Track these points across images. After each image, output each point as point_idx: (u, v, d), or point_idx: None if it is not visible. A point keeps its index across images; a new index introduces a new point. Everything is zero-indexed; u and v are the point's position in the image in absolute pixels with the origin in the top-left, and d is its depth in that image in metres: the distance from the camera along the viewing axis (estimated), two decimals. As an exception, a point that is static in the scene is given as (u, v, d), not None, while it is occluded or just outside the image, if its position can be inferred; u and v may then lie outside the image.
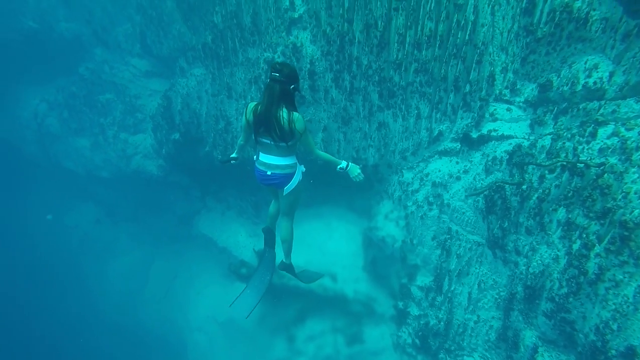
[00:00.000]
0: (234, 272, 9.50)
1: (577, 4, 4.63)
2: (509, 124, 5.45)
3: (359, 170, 4.17)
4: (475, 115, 5.75)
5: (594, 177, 4.20)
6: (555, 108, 5.04)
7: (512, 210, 4.89)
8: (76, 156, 11.88)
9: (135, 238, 13.02)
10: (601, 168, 4.16)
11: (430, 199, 6.13)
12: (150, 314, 12.19)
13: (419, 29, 5.76)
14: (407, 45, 5.96)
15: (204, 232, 11.31)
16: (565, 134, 4.68)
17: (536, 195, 4.66)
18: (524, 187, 4.75)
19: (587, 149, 4.42)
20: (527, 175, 4.81)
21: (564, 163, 4.49)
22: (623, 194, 3.96)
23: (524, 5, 5.02)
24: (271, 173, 3.98)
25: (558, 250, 4.54)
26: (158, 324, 11.96)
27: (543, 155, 4.78)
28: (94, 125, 11.27)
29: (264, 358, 8.54)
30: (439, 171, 6.12)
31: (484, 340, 5.57)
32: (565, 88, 4.89)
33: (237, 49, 7.76)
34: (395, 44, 6.03)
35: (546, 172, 4.66)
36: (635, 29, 4.43)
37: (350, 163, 4.11)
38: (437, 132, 6.20)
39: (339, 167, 4.09)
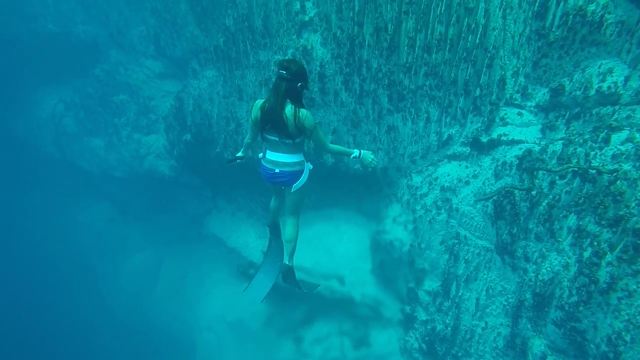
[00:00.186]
0: (243, 272, 9.55)
1: (591, 7, 4.55)
2: (520, 129, 5.37)
3: (372, 156, 4.10)
4: (486, 119, 5.69)
5: (606, 184, 4.12)
6: (568, 113, 4.95)
7: (522, 216, 4.82)
8: (91, 156, 12.09)
9: (147, 237, 13.18)
10: (614, 175, 4.07)
11: (439, 203, 6.08)
12: (160, 313, 12.32)
13: (429, 32, 5.73)
14: (417, 48, 5.93)
15: (214, 232, 11.41)
16: (577, 139, 4.60)
17: (546, 201, 4.59)
18: (534, 192, 4.67)
19: (600, 155, 4.34)
20: (537, 181, 4.73)
21: (576, 169, 4.41)
22: (637, 201, 3.87)
23: (535, 9, 4.95)
24: (279, 171, 3.93)
25: (568, 258, 4.45)
26: (168, 322, 12.07)
27: (554, 161, 4.70)
28: (109, 125, 11.47)
29: (271, 359, 8.56)
30: (448, 175, 6.07)
31: (491, 348, 5.49)
32: (578, 92, 4.80)
33: (248, 51, 7.82)
34: (405, 47, 6.01)
35: (557, 177, 4.58)
36: (652, 33, 4.35)
37: (362, 150, 4.07)
38: (446, 136, 6.15)
39: (352, 156, 4.05)
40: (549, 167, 4.63)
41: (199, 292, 11.65)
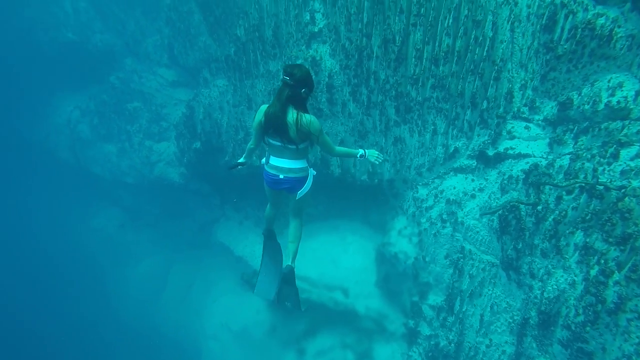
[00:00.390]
0: (247, 281, 9.54)
1: (601, 21, 4.48)
2: (527, 142, 5.29)
3: (377, 153, 4.15)
4: (492, 132, 5.62)
5: (614, 200, 4.01)
6: (576, 127, 4.86)
7: (527, 231, 4.72)
8: (104, 161, 12.31)
9: (156, 243, 13.29)
10: (622, 191, 3.97)
11: (444, 216, 5.99)
12: (166, 319, 12.35)
13: (437, 44, 5.72)
14: (424, 60, 5.92)
15: (222, 240, 11.44)
16: (585, 154, 4.51)
17: (552, 217, 4.49)
18: (540, 207, 4.58)
19: (608, 171, 4.24)
20: (543, 196, 4.64)
21: (583, 184, 4.31)
22: (645, 219, 3.76)
23: (544, 22, 4.90)
24: (284, 177, 3.92)
25: (575, 276, 4.33)
26: (174, 329, 12.09)
27: (561, 176, 4.60)
28: (122, 132, 11.67)
29: (274, 371, 8.50)
30: (454, 188, 5.99)
31: (496, 366, 5.34)
32: (587, 107, 4.72)
33: (258, 61, 7.91)
34: (413, 59, 6.00)
35: (563, 193, 4.48)
36: (663, 47, 4.26)
37: (367, 150, 4.11)
38: (453, 148, 6.08)
39: (359, 154, 4.08)
40: (555, 182, 4.54)
41: (205, 300, 11.65)
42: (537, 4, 5.03)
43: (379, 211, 7.75)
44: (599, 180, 4.17)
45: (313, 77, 3.80)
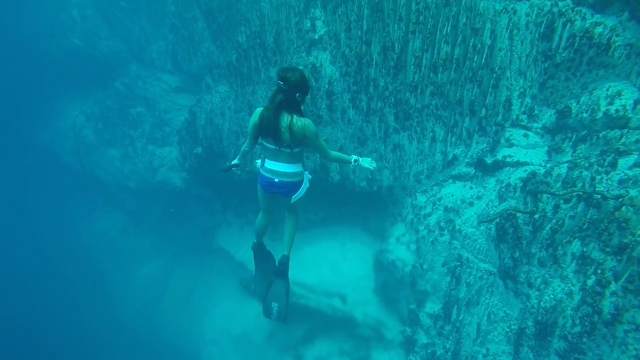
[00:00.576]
0: (245, 286, 9.54)
1: (598, 30, 4.47)
2: (525, 150, 5.26)
3: (369, 159, 4.14)
4: (491, 140, 5.60)
5: (612, 210, 3.97)
6: (574, 135, 4.83)
7: (524, 240, 4.68)
8: (107, 166, 12.41)
9: (157, 247, 13.34)
10: (619, 200, 3.93)
11: (442, 224, 5.96)
12: (167, 324, 12.35)
13: (436, 52, 5.73)
14: (423, 68, 5.93)
15: (223, 245, 11.45)
16: (582, 162, 4.47)
17: (549, 226, 4.45)
18: (537, 216, 4.54)
19: (606, 180, 4.20)
20: (540, 204, 4.60)
21: (580, 193, 4.28)
22: (642, 229, 3.71)
23: (542, 30, 4.90)
24: (279, 180, 3.90)
25: (572, 285, 4.28)
26: (174, 334, 12.09)
27: (558, 184, 4.57)
28: (125, 136, 11.77)
29: (272, 377, 8.45)
30: (452, 196, 5.96)
31: (493, 377, 5.27)
32: (585, 115, 4.69)
33: (259, 67, 7.96)
34: (412, 67, 6.01)
35: (561, 201, 4.45)
36: (662, 56, 4.23)
37: (360, 157, 4.11)
38: (451, 156, 6.06)
39: (352, 160, 4.07)
40: (553, 190, 4.50)
41: (206, 305, 11.65)
42: (535, 12, 5.02)
43: (378, 218, 7.73)
44: (596, 189, 4.13)
45: (309, 80, 3.78)
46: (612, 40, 4.41)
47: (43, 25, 12.96)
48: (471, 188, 5.83)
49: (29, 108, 14.68)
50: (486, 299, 5.31)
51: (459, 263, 5.62)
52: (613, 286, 3.80)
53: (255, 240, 4.89)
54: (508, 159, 5.32)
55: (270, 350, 8.63)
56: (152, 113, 11.33)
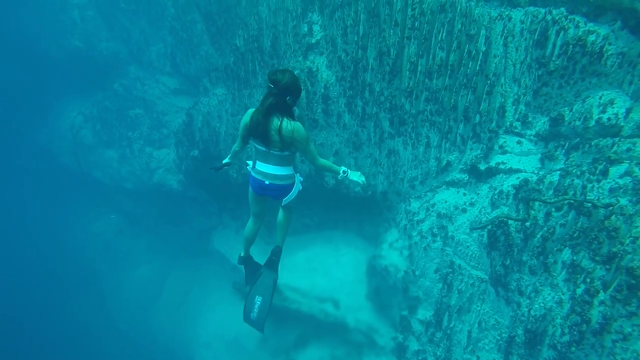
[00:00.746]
0: (238, 290, 9.49)
1: (591, 38, 4.47)
2: (519, 158, 5.25)
3: (358, 173, 4.03)
4: (485, 146, 5.59)
5: (602, 218, 3.95)
6: (567, 143, 4.82)
7: (515, 247, 4.65)
8: (104, 167, 12.41)
9: (153, 249, 13.30)
10: (609, 209, 3.91)
11: (435, 230, 5.93)
12: (161, 327, 12.30)
13: (431, 57, 5.73)
14: (418, 73, 5.93)
15: (219, 248, 11.42)
16: (574, 170, 4.46)
17: (540, 234, 4.43)
18: (528, 224, 4.52)
19: (597, 188, 4.19)
20: (532, 212, 4.58)
21: (572, 201, 4.26)
22: (631, 238, 3.69)
23: (536, 38, 4.90)
24: (269, 183, 3.86)
25: (562, 294, 4.26)
26: (168, 337, 12.03)
27: (551, 192, 4.55)
28: (123, 138, 11.78)
29: (264, 382, 8.40)
30: (445, 202, 5.94)
31: (484, 385, 5.23)
32: (578, 123, 4.68)
33: (256, 71, 7.98)
34: (407, 72, 6.02)
35: (553, 209, 4.43)
36: (654, 65, 4.23)
37: (350, 170, 3.98)
38: (445, 162, 6.05)
39: (341, 171, 3.94)
40: (544, 198, 4.48)
41: (201, 308, 11.60)
42: (530, 19, 5.03)
43: (373, 223, 7.71)
44: (587, 197, 4.11)
45: (301, 83, 3.72)
46: (604, 49, 4.41)
47: (43, 26, 13.04)
48: (464, 194, 5.81)
49: (28, 108, 14.72)
50: (477, 306, 5.28)
51: (450, 270, 5.59)
52: (601, 295, 3.77)
53: (242, 254, 4.69)
54: (501, 166, 5.30)
55: (262, 355, 8.59)
56: (150, 115, 11.34)
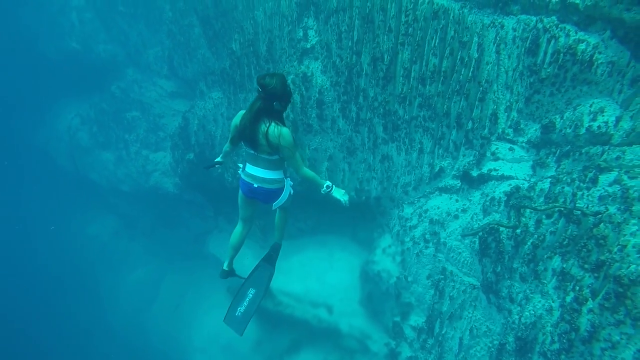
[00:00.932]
0: (233, 294, 9.45)
1: (581, 47, 4.49)
2: (511, 164, 5.26)
3: (343, 191, 3.96)
4: (477, 153, 5.60)
5: (591, 226, 3.95)
6: (558, 150, 4.84)
7: (506, 254, 4.65)
8: (101, 169, 12.42)
9: (149, 252, 13.30)
10: (598, 217, 3.91)
11: (427, 236, 5.93)
12: (156, 330, 12.28)
13: (424, 63, 5.75)
14: (412, 79, 5.95)
15: (214, 252, 11.41)
16: (565, 178, 4.47)
17: (531, 241, 4.43)
18: (518, 231, 4.52)
19: (587, 196, 4.19)
20: (523, 219, 4.59)
21: (562, 209, 4.26)
22: (619, 246, 3.69)
23: (527, 45, 4.92)
24: (258, 186, 3.83)
25: (552, 302, 4.26)
26: (163, 340, 12.01)
27: (541, 199, 4.56)
28: (119, 140, 11.80)
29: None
30: (438, 208, 5.95)
31: (475, 392, 5.22)
32: (569, 130, 4.69)
33: (252, 75, 8.00)
34: (401, 78, 6.04)
35: (543, 217, 4.43)
36: (643, 74, 4.24)
37: (335, 186, 3.89)
38: (438, 168, 6.06)
39: (325, 185, 3.84)
40: (535, 205, 4.49)
41: (196, 312, 11.58)
42: (522, 27, 5.05)
43: (367, 228, 7.71)
44: (576, 205, 4.12)
45: (289, 87, 3.63)
46: (594, 58, 4.42)
47: (41, 28, 13.08)
48: (457, 201, 5.81)
49: (26, 109, 14.75)
50: (469, 313, 5.27)
51: (442, 276, 5.59)
52: (590, 304, 3.77)
53: (225, 267, 4.58)
54: (493, 173, 5.31)
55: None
56: (146, 117, 11.37)
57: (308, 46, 7.10)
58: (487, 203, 5.18)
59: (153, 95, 11.30)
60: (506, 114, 5.40)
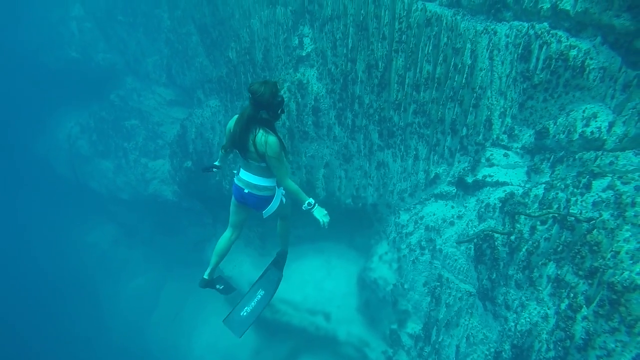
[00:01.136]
0: (231, 303, 9.41)
1: (573, 53, 4.49)
2: (505, 170, 5.25)
3: (325, 212, 3.71)
4: (472, 159, 5.59)
5: (584, 232, 3.94)
6: (552, 156, 4.82)
7: (501, 261, 4.63)
8: (100, 177, 12.46)
9: (149, 259, 13.29)
10: (591, 223, 3.89)
11: (423, 243, 5.91)
12: (156, 339, 12.23)
13: (418, 70, 5.76)
14: (406, 86, 5.96)
15: (213, 259, 11.39)
16: (559, 184, 4.45)
17: (526, 247, 4.41)
18: (513, 237, 4.50)
19: (581, 201, 4.17)
20: (518, 225, 4.57)
21: (556, 215, 4.25)
22: (613, 252, 3.67)
23: (520, 51, 4.93)
24: (248, 192, 3.78)
25: (548, 309, 4.23)
26: (163, 349, 11.95)
27: (535, 205, 4.54)
28: (118, 148, 11.84)
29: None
30: (434, 215, 5.93)
31: (472, 401, 5.16)
32: (562, 136, 4.68)
33: (248, 83, 8.00)
34: (395, 85, 6.05)
35: (538, 223, 4.41)
36: (635, 80, 4.23)
37: (317, 204, 3.68)
38: (433, 174, 6.05)
39: (306, 202, 3.64)
40: (529, 211, 4.47)
41: (196, 320, 11.55)
42: (514, 33, 5.05)
43: (364, 235, 7.69)
44: (570, 211, 4.10)
45: (278, 98, 3.55)
46: (586, 63, 4.42)
47: (42, 37, 13.19)
48: (452, 207, 5.80)
49: (26, 118, 14.83)
50: (466, 320, 5.23)
51: (438, 283, 5.55)
52: (584, 311, 3.74)
53: (205, 275, 4.29)
54: (488, 179, 5.30)
55: (255, 369, 8.53)
56: (145, 126, 11.41)
57: (303, 54, 7.13)
58: (482, 209, 5.16)
59: (152, 103, 11.35)
60: (500, 119, 5.40)
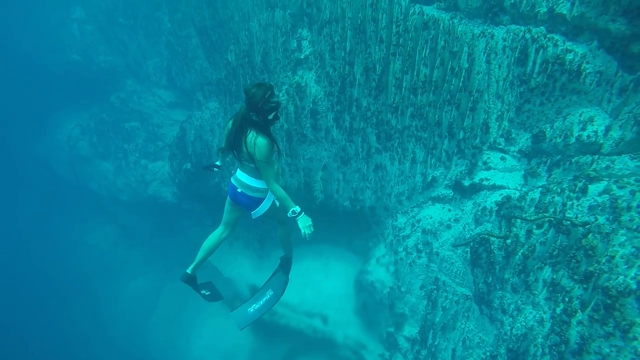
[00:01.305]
0: (229, 305, 9.42)
1: (569, 57, 4.49)
2: (502, 174, 5.24)
3: (309, 222, 3.62)
4: (469, 162, 5.59)
5: (580, 237, 3.92)
6: (549, 160, 4.82)
7: (497, 265, 4.62)
8: (100, 179, 12.48)
9: (148, 261, 13.29)
10: (586, 227, 3.88)
11: (420, 246, 5.91)
12: (155, 340, 12.23)
13: (415, 74, 5.77)
14: (403, 89, 5.97)
15: (212, 261, 11.39)
16: (555, 188, 4.45)
17: (521, 251, 4.40)
18: (509, 241, 4.49)
19: (577, 205, 4.16)
20: (514, 229, 4.56)
21: (552, 219, 4.24)
22: (608, 257, 3.66)
23: (517, 55, 4.93)
24: (241, 191, 3.80)
25: (544, 313, 4.21)
26: (162, 350, 11.95)
27: (532, 209, 4.53)
28: (118, 150, 11.87)
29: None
30: (431, 218, 5.92)
31: (469, 405, 5.15)
32: (559, 140, 4.68)
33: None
34: (393, 88, 6.06)
35: (534, 227, 4.41)
36: (632, 84, 4.24)
37: (303, 213, 3.58)
38: (431, 177, 6.05)
39: (291, 210, 3.55)
40: (525, 215, 4.47)
41: (195, 322, 11.55)
42: (511, 37, 5.06)
43: (362, 237, 7.69)
44: (566, 215, 4.09)
45: (271, 103, 3.53)
46: (582, 67, 4.42)
47: (43, 39, 13.25)
48: (449, 210, 5.79)
49: (27, 120, 14.88)
50: (462, 324, 5.22)
51: (435, 287, 5.55)
52: (579, 315, 3.73)
53: (188, 270, 4.07)
54: (485, 182, 5.29)
55: (253, 370, 8.53)
56: (145, 127, 11.44)
57: (302, 57, 7.15)
58: (479, 213, 5.16)
59: (152, 105, 11.39)
60: (497, 123, 5.40)
